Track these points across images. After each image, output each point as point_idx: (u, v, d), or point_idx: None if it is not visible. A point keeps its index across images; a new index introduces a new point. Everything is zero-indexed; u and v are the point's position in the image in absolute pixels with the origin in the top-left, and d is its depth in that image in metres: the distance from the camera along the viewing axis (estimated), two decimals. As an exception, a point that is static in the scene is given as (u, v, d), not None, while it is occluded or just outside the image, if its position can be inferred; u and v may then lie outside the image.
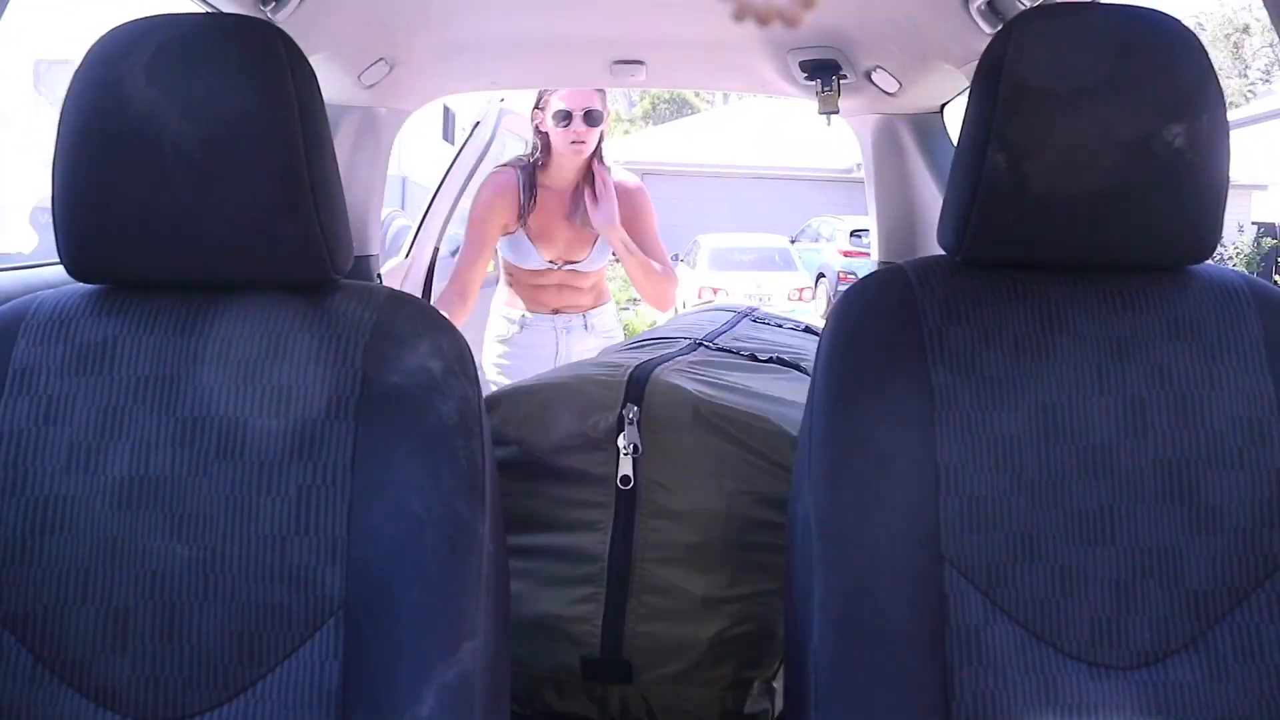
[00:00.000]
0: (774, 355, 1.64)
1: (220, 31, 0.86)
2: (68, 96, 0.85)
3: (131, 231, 0.85)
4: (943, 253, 0.98)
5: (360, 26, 1.74)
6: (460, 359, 0.92)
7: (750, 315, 1.98)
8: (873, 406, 0.91)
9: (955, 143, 0.96)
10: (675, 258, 12.70)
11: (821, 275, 12.60)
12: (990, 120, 0.88)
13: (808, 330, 1.98)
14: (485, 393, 1.03)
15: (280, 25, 1.45)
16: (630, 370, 1.43)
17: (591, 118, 2.27)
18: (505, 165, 2.41)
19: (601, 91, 2.33)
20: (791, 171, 16.59)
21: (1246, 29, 28.61)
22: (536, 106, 2.31)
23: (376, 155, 2.25)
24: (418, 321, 0.92)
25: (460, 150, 3.01)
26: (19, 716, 0.82)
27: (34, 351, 0.88)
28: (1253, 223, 15.46)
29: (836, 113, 2.06)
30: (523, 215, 2.33)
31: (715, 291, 10.65)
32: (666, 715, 1.39)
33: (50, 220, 0.87)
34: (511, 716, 1.13)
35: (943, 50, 1.72)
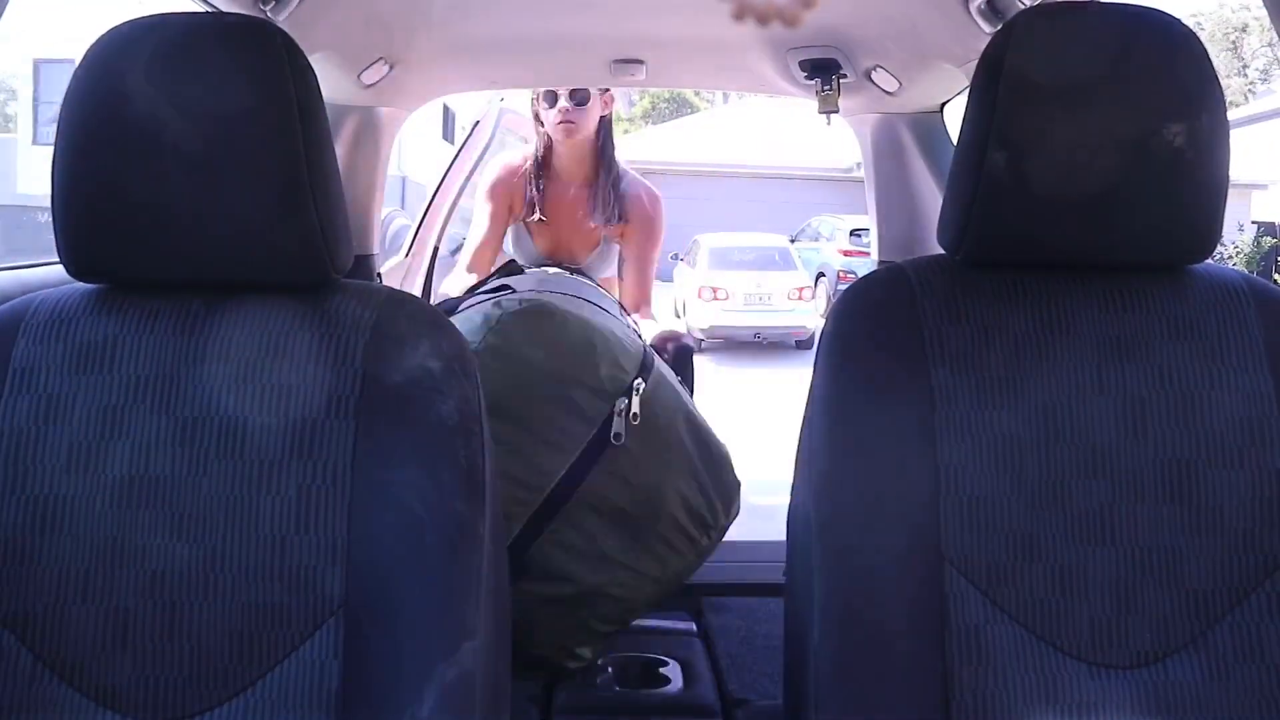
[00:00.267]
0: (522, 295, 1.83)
1: (220, 31, 0.86)
2: (67, 96, 0.85)
3: (131, 231, 0.85)
4: (943, 252, 0.98)
5: (360, 26, 1.74)
6: (460, 358, 0.92)
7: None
8: (872, 406, 0.91)
9: (955, 142, 0.96)
10: (675, 257, 12.71)
11: (821, 275, 12.59)
12: (990, 120, 0.88)
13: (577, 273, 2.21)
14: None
15: (280, 25, 1.45)
16: (643, 349, 1.65)
17: (577, 96, 2.24)
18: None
19: None
20: (791, 171, 16.57)
21: (1245, 28, 28.61)
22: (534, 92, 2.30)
23: (376, 155, 2.25)
24: (418, 321, 0.92)
25: (460, 150, 3.02)
26: (19, 716, 0.82)
27: (34, 351, 0.88)
28: (1253, 222, 15.45)
29: (836, 112, 2.06)
30: (528, 201, 2.31)
31: (715, 291, 10.64)
32: (527, 630, 1.53)
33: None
34: None
35: (943, 50, 1.72)
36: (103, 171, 0.84)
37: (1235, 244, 14.70)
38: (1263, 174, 15.69)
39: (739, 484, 1.71)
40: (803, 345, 10.38)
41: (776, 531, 1.16)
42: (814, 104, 2.06)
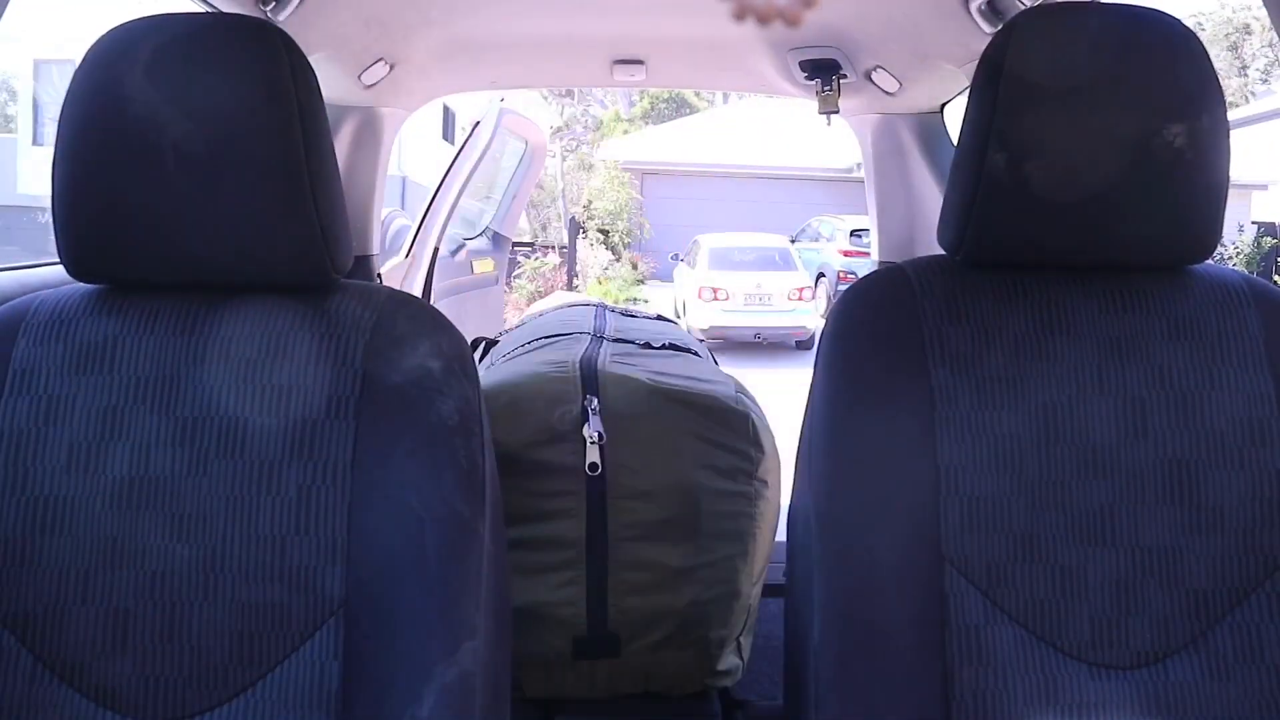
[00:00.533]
0: (665, 342, 1.74)
1: (220, 31, 0.86)
2: (68, 96, 0.85)
3: (131, 231, 0.85)
4: (943, 253, 0.98)
5: (360, 26, 1.74)
6: (460, 358, 0.92)
7: (607, 308, 2.07)
8: (873, 406, 0.91)
9: (955, 143, 0.95)
10: (675, 257, 12.71)
11: (821, 275, 12.59)
12: (990, 120, 0.88)
13: (659, 318, 2.10)
14: None
15: (280, 25, 1.45)
16: (577, 364, 1.52)
17: None
18: None
19: None
20: (791, 171, 16.57)
21: (1247, 29, 28.61)
22: None
23: (376, 155, 2.24)
24: (418, 321, 0.92)
25: (460, 150, 3.02)
26: (19, 716, 0.82)
27: (34, 351, 0.88)
28: (1253, 222, 15.44)
29: (836, 112, 2.06)
30: None
31: (715, 291, 10.64)
32: (652, 681, 1.50)
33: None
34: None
35: (943, 50, 1.72)
36: (103, 172, 0.84)
37: (1235, 244, 14.69)
38: (1263, 174, 15.68)
39: (746, 413, 1.52)
40: (803, 345, 10.38)
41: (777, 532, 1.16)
42: (814, 104, 2.06)
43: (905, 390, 0.90)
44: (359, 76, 1.92)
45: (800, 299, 10.73)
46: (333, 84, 1.90)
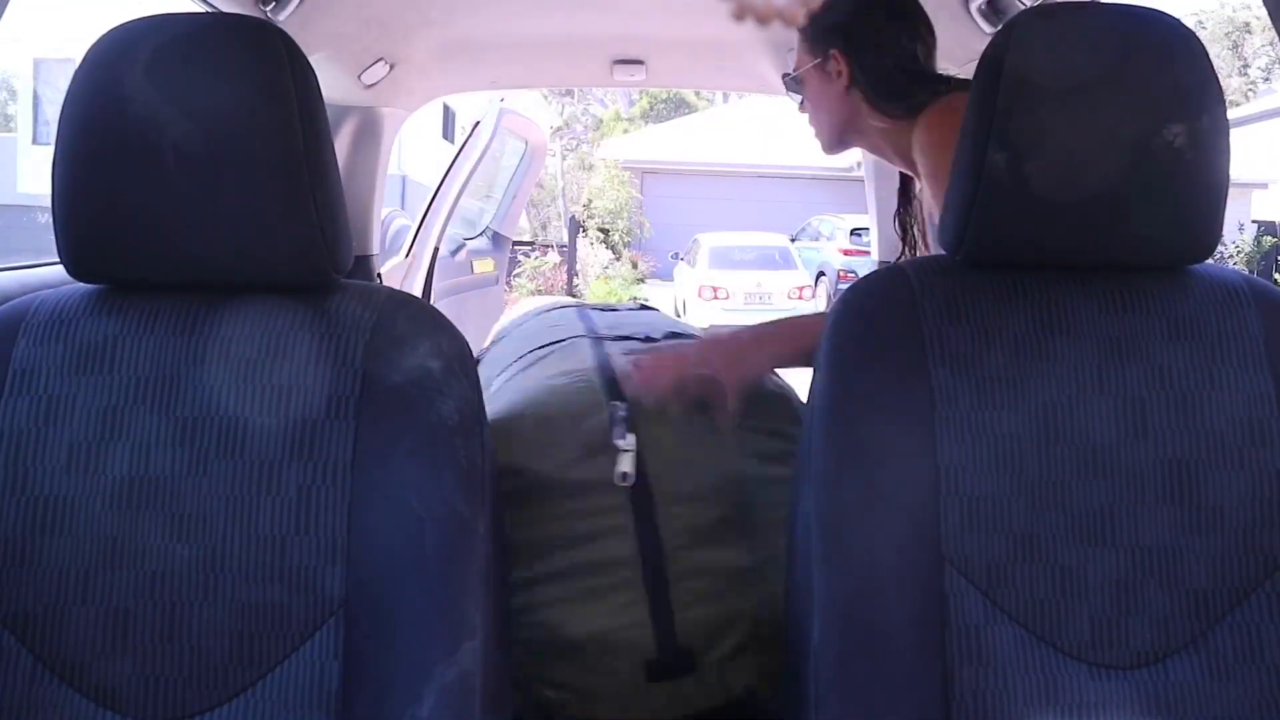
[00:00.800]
0: (666, 331, 1.63)
1: (220, 31, 0.86)
2: (68, 96, 0.85)
3: (131, 231, 0.85)
4: (943, 252, 0.98)
5: (360, 26, 1.74)
6: (460, 358, 0.92)
7: (582, 307, 1.93)
8: (872, 406, 0.91)
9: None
10: (675, 256, 12.72)
11: (821, 274, 12.59)
12: (991, 120, 0.88)
13: (643, 308, 1.98)
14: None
15: (280, 25, 1.45)
16: (594, 370, 1.41)
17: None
18: None
19: None
20: (791, 170, 16.58)
21: (1247, 28, 28.60)
22: None
23: (376, 155, 2.25)
24: (418, 321, 0.92)
25: (460, 150, 3.02)
26: (19, 716, 0.82)
27: (34, 351, 0.88)
28: (1253, 221, 15.45)
29: (836, 112, 2.05)
30: None
31: (715, 290, 10.64)
32: (730, 692, 1.37)
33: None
34: None
35: (943, 50, 1.72)
36: (103, 172, 0.84)
37: (1235, 244, 14.70)
38: (1263, 173, 15.69)
39: (782, 391, 1.42)
40: (803, 345, 10.35)
41: (777, 531, 1.16)
42: (814, 104, 2.06)
43: (905, 390, 0.90)
44: (359, 76, 1.92)
45: (800, 298, 10.74)
46: (333, 84, 1.90)
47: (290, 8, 1.46)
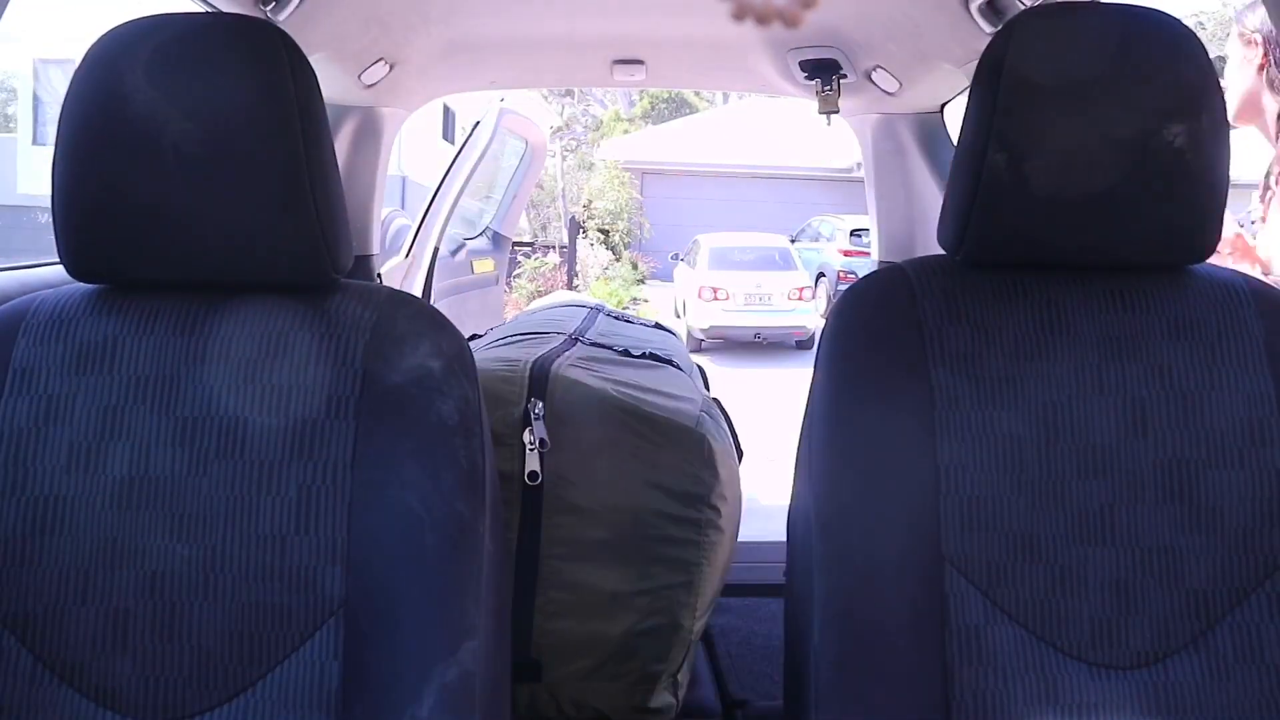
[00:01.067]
0: (646, 351, 1.63)
1: (220, 31, 0.86)
2: (68, 96, 0.85)
3: (131, 231, 0.85)
4: (943, 253, 0.98)
5: (360, 26, 1.74)
6: (460, 358, 0.92)
7: (602, 310, 1.95)
8: (873, 406, 0.91)
9: (955, 142, 0.96)
10: (675, 257, 12.71)
11: (821, 275, 12.59)
12: (990, 120, 0.88)
13: (657, 326, 1.99)
14: None
15: (280, 25, 1.45)
16: (529, 364, 1.40)
17: None
18: None
19: None
20: (791, 171, 16.58)
21: (1246, 28, 28.54)
22: None
23: (376, 155, 2.25)
24: (418, 321, 0.92)
25: (460, 150, 3.02)
26: (19, 716, 0.82)
27: (34, 351, 0.88)
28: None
29: (836, 112, 2.06)
30: None
31: (715, 291, 10.65)
32: (574, 711, 1.39)
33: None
34: None
35: (943, 50, 1.72)
36: (103, 172, 0.84)
37: (1235, 244, 14.67)
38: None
39: (703, 435, 1.40)
40: (803, 345, 10.38)
41: (777, 531, 1.16)
42: (814, 104, 2.06)
43: (905, 390, 0.90)
44: (359, 76, 1.92)
45: (800, 299, 10.74)
46: (333, 84, 1.90)
47: (290, 8, 1.46)
